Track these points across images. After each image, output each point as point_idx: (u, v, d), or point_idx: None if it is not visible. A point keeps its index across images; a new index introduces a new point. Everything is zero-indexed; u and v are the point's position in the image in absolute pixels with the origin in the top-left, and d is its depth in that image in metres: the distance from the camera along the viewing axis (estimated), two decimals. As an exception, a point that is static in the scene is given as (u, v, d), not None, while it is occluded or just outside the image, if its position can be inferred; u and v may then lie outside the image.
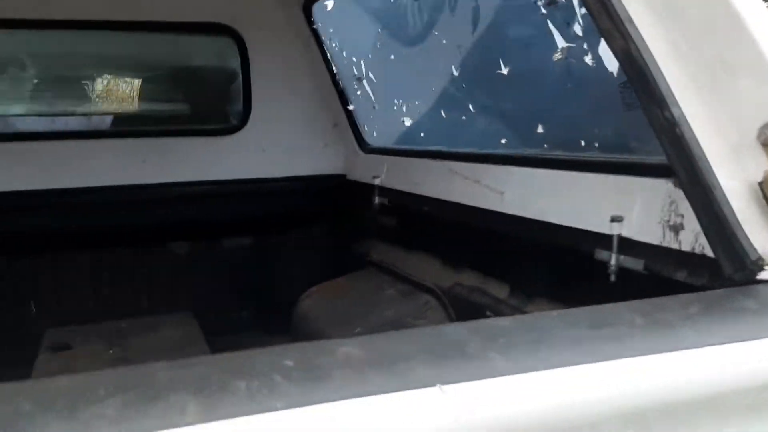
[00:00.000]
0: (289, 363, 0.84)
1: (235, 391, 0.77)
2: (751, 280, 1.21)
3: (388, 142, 3.59)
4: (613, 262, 1.82)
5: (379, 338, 0.95)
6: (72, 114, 3.68)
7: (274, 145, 3.72)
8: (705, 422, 0.99)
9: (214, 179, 3.63)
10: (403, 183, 3.18)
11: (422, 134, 3.26)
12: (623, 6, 1.25)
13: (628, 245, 1.80)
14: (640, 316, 1.04)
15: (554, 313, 1.06)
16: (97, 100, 3.73)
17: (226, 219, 3.74)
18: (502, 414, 0.84)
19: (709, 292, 1.16)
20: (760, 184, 1.26)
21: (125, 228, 3.54)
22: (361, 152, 3.70)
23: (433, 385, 0.82)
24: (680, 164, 1.27)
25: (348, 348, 0.89)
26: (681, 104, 1.25)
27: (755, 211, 1.25)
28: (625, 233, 1.81)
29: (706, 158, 1.24)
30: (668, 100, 1.24)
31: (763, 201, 1.26)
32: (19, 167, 3.30)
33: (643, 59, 1.25)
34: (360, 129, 3.68)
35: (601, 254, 1.88)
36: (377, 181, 3.36)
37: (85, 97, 3.70)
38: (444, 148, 2.93)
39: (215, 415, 0.73)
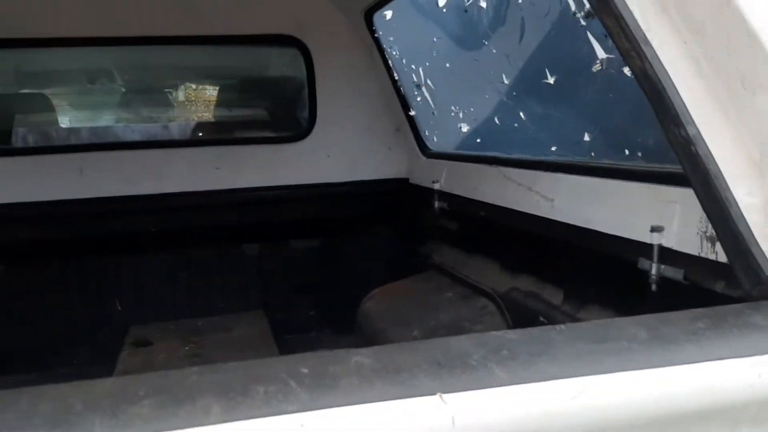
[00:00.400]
0: (305, 370, 0.94)
1: (254, 395, 0.88)
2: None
3: (447, 147, 3.67)
4: (654, 271, 1.85)
5: (391, 349, 1.04)
6: (152, 125, 3.93)
7: (339, 151, 3.86)
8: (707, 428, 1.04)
9: (282, 184, 3.80)
10: (461, 188, 3.25)
11: (478, 140, 3.32)
12: (639, 26, 1.30)
13: (668, 255, 1.82)
14: (645, 330, 1.09)
15: (562, 326, 1.12)
16: (174, 111, 3.96)
17: (294, 222, 3.90)
18: (497, 422, 0.91)
19: (720, 307, 1.19)
20: (781, 200, 1.28)
21: (201, 231, 3.76)
22: (422, 156, 3.79)
23: (434, 393, 0.91)
24: (697, 180, 1.30)
25: (360, 358, 0.99)
26: (698, 122, 1.29)
27: (773, 226, 1.27)
28: (666, 243, 1.83)
29: (722, 175, 1.27)
30: (683, 119, 1.28)
31: (783, 216, 1.28)
32: (104, 175, 3.55)
33: (659, 79, 1.29)
34: (421, 134, 3.77)
35: (644, 263, 1.90)
36: (437, 186, 3.44)
37: (162, 108, 3.94)
38: (498, 154, 2.99)
39: (235, 416, 0.84)
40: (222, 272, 3.87)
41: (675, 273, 1.79)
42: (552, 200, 2.45)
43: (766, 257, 1.24)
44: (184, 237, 3.73)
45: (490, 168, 2.98)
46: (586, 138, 2.37)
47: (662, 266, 1.83)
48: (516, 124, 2.97)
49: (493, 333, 1.10)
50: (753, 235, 1.25)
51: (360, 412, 0.88)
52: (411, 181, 3.91)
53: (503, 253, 2.99)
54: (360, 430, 0.87)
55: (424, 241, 3.75)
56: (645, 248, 1.89)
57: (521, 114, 2.96)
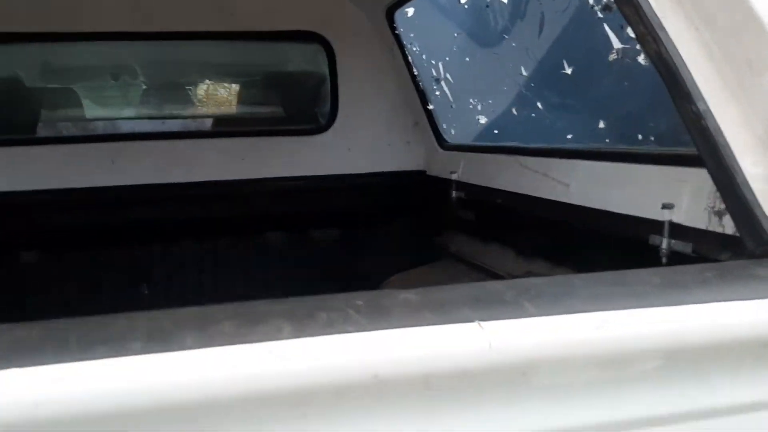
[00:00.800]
0: (360, 302, 1.08)
1: (318, 319, 1.01)
2: (771, 255, 1.37)
3: (465, 140, 3.80)
4: (664, 246, 1.98)
5: (434, 289, 1.17)
6: (180, 116, 4.08)
7: (359, 143, 4.00)
8: (714, 368, 1.17)
9: (304, 175, 3.94)
10: (478, 177, 3.38)
11: (495, 131, 3.46)
12: (655, 14, 1.44)
13: (678, 230, 1.95)
14: (658, 277, 1.22)
15: (583, 275, 1.25)
16: (202, 103, 4.11)
17: (316, 212, 4.04)
18: (528, 346, 1.05)
19: (727, 263, 1.32)
20: (782, 169, 1.41)
21: (227, 219, 3.90)
22: (440, 149, 3.92)
23: (473, 321, 1.04)
24: (707, 153, 1.43)
25: (408, 295, 1.12)
26: (708, 100, 1.42)
27: (775, 193, 1.40)
28: (676, 219, 1.96)
29: (730, 147, 1.40)
30: (694, 96, 1.41)
31: (785, 185, 1.41)
32: (134, 164, 3.70)
33: (672, 60, 1.43)
34: (439, 127, 3.91)
35: (654, 239, 2.04)
36: (454, 176, 3.57)
37: (191, 100, 4.10)
38: (515, 144, 3.12)
39: (303, 334, 0.98)
40: (246, 259, 4.01)
41: (684, 247, 1.92)
42: (567, 185, 2.58)
43: (768, 219, 1.37)
44: (210, 225, 3.87)
45: (507, 157, 3.11)
46: (602, 125, 2.50)
47: (672, 241, 1.96)
48: (533, 115, 3.11)
49: (523, 279, 1.23)
50: (757, 200, 1.38)
51: (411, 334, 1.01)
52: (428, 173, 4.04)
53: (519, 239, 3.12)
54: (410, 349, 1.01)
55: (441, 231, 3.88)
56: (656, 225, 2.02)
57: (539, 104, 3.10)
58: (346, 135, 3.98)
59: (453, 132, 3.86)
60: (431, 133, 3.96)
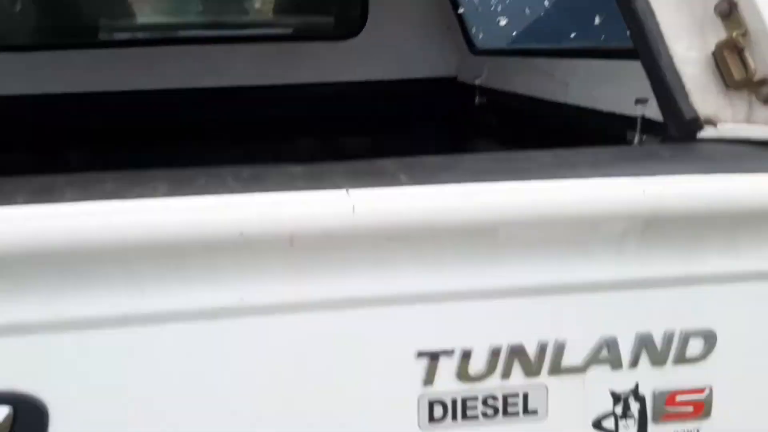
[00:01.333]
0: (246, 174, 1.15)
1: (195, 184, 1.09)
2: (693, 139, 1.35)
3: (493, 44, 3.74)
4: (636, 141, 1.95)
5: (322, 165, 1.22)
6: (209, 23, 4.16)
7: (389, 50, 3.97)
8: (598, 243, 1.20)
9: (334, 81, 3.97)
10: (499, 82, 3.34)
11: (514, 33, 3.39)
12: None
13: (650, 126, 1.91)
14: (552, 158, 1.24)
15: (482, 155, 1.28)
16: (233, 9, 4.17)
17: (346, 118, 4.07)
18: (391, 211, 1.10)
19: (636, 146, 1.31)
20: (713, 53, 1.37)
21: (256, 125, 3.99)
22: (470, 54, 3.86)
23: (342, 188, 1.10)
24: (638, 37, 1.40)
25: (294, 168, 1.19)
26: (642, -20, 1.38)
27: (705, 78, 1.37)
28: (648, 114, 1.92)
29: (660, 30, 1.36)
30: (626, -26, 1.37)
31: (716, 69, 1.38)
32: (164, 69, 3.80)
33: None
34: (469, 32, 3.84)
35: (630, 135, 2.00)
36: (478, 81, 3.54)
37: (222, 6, 4.16)
38: (533, 46, 3.06)
39: (173, 194, 1.07)
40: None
41: (653, 142, 1.88)
42: (567, 84, 2.53)
43: (690, 103, 1.34)
44: (241, 129, 3.98)
45: (523, 60, 3.06)
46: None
47: (644, 136, 1.92)
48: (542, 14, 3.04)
49: (423, 157, 1.27)
50: (683, 85, 1.36)
51: (277, 197, 1.08)
52: (459, 79, 4.00)
53: (531, 143, 3.09)
54: (276, 210, 1.08)
55: (467, 137, 3.87)
56: (633, 121, 1.98)
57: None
58: (376, 41, 3.96)
59: (481, 36, 3.78)
60: (462, 38, 3.90)
